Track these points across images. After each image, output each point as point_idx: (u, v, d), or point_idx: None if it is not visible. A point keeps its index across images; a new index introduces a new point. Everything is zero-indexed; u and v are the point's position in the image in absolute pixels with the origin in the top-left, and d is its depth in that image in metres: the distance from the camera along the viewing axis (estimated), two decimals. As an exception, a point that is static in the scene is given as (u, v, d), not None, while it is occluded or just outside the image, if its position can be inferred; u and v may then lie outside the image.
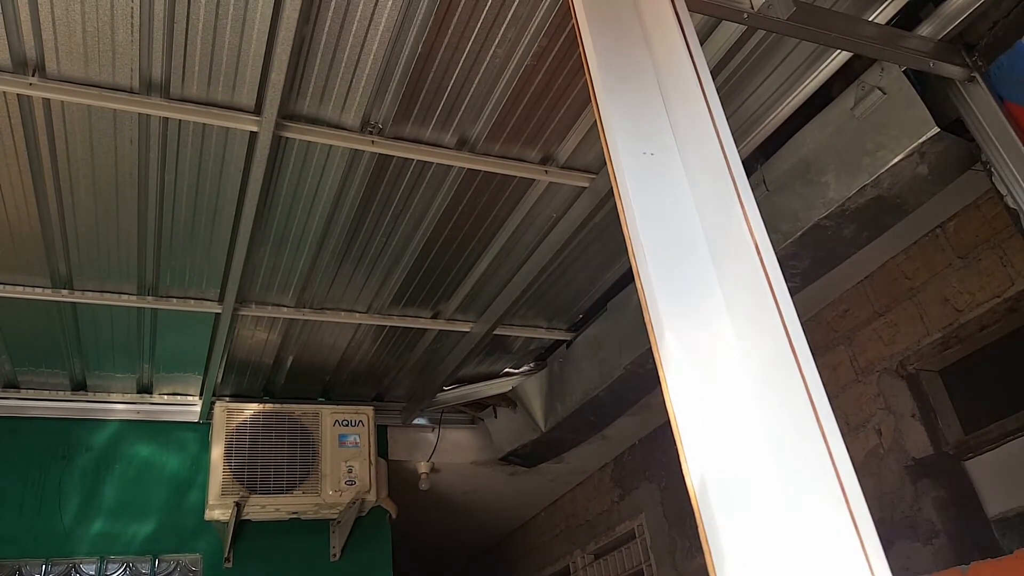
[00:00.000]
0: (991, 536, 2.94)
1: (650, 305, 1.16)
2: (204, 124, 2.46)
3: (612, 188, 1.25)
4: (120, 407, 4.14)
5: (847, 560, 0.97)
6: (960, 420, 3.21)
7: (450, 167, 2.77)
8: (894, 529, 3.10)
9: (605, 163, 2.75)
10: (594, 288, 3.75)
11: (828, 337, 3.58)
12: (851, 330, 3.52)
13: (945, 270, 3.11)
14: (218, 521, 3.81)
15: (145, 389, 4.16)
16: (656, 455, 4.79)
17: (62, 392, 4.03)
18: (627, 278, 3.64)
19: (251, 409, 3.94)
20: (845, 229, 2.70)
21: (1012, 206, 2.15)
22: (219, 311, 3.41)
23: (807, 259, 2.84)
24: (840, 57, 2.38)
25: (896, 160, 2.39)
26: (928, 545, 3.03)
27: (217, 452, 3.77)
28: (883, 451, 3.33)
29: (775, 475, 1.07)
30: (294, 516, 3.96)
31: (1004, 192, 2.18)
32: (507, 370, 4.50)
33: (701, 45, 1.33)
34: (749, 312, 1.12)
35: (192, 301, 3.39)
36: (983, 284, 2.96)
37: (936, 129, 2.27)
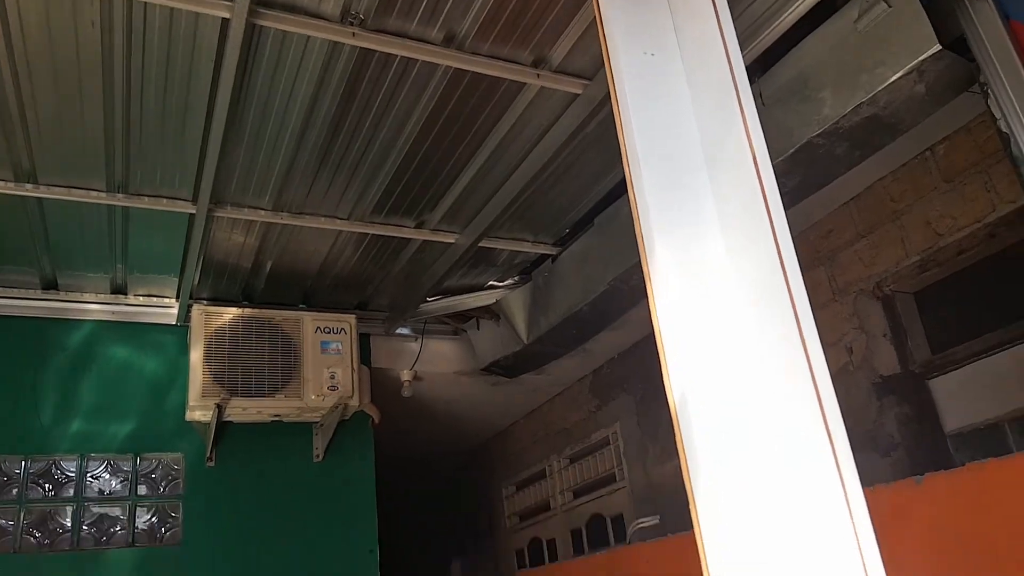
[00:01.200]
0: (946, 450, 3.07)
1: (642, 216, 1.14)
2: (172, 8, 2.32)
3: (607, 95, 1.20)
4: (94, 307, 4.09)
5: (820, 469, 1.00)
6: (929, 341, 3.29)
7: (436, 66, 2.66)
8: (856, 441, 3.19)
9: (600, 68, 2.69)
10: (582, 202, 3.71)
11: (810, 256, 3.60)
12: (833, 250, 3.54)
13: (930, 193, 3.11)
14: (199, 422, 3.85)
15: (119, 290, 4.11)
16: (634, 368, 4.88)
17: (33, 291, 3.96)
18: (615, 193, 3.60)
19: (230, 313, 3.92)
20: (837, 147, 2.66)
21: (1004, 130, 2.12)
22: (193, 211, 3.33)
23: (797, 177, 2.81)
24: (847, -35, 2.29)
25: (894, 78, 2.34)
26: (886, 457, 3.16)
27: (196, 354, 3.77)
28: (852, 368, 3.42)
29: (755, 387, 1.08)
30: (276, 419, 4.01)
31: (998, 115, 2.14)
32: (491, 283, 4.50)
33: (707, -58, 1.26)
34: (742, 226, 1.10)
35: (164, 200, 3.30)
36: (966, 208, 2.97)
37: (938, 47, 2.22)
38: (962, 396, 3.06)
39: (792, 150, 2.66)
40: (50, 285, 3.98)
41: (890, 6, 2.31)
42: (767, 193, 1.08)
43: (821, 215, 3.55)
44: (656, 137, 1.12)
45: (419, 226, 3.75)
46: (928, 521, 2.18)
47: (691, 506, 1.05)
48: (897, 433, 3.18)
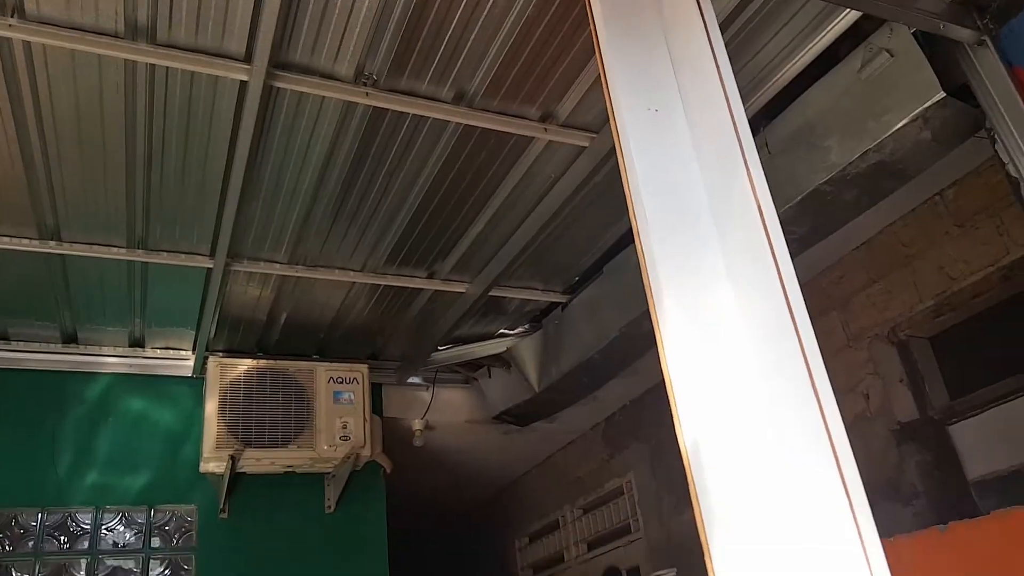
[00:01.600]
0: (970, 498, 3.01)
1: (649, 266, 1.15)
2: (192, 72, 2.40)
3: (613, 146, 1.22)
4: (112, 360, 4.14)
5: (836, 520, 0.98)
6: (947, 386, 3.25)
7: (447, 122, 2.72)
8: (877, 490, 3.15)
9: (606, 122, 2.73)
10: (591, 251, 3.73)
11: (822, 302, 3.59)
12: (845, 296, 3.53)
13: (942, 238, 3.11)
14: (213, 473, 3.84)
15: (137, 343, 4.15)
16: (646, 416, 4.84)
17: (53, 344, 4.01)
18: (624, 241, 3.62)
19: (245, 365, 3.95)
20: (846, 194, 2.68)
21: (1014, 174, 2.13)
22: (211, 266, 3.38)
23: (806, 224, 2.82)
24: (849, 16, 2.34)
25: (900, 125, 2.36)
26: (908, 506, 3.10)
27: (211, 406, 3.78)
28: (870, 415, 3.37)
29: (768, 436, 1.07)
30: (289, 469, 4.00)
31: (1006, 160, 2.16)
32: (502, 331, 4.51)
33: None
34: (749, 275, 1.11)
35: (183, 255, 3.36)
36: (979, 252, 2.96)
37: (942, 94, 2.24)
38: (984, 442, 3.02)
39: (800, 197, 2.68)
40: (70, 339, 4.03)
41: (892, 55, 2.34)
42: (773, 241, 1.09)
43: (832, 261, 3.55)
44: (661, 189, 1.14)
45: (430, 276, 3.78)
46: (953, 571, 2.13)
47: (706, 559, 1.04)
48: (919, 481, 3.12)
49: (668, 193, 1.14)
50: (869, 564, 0.93)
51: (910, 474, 3.15)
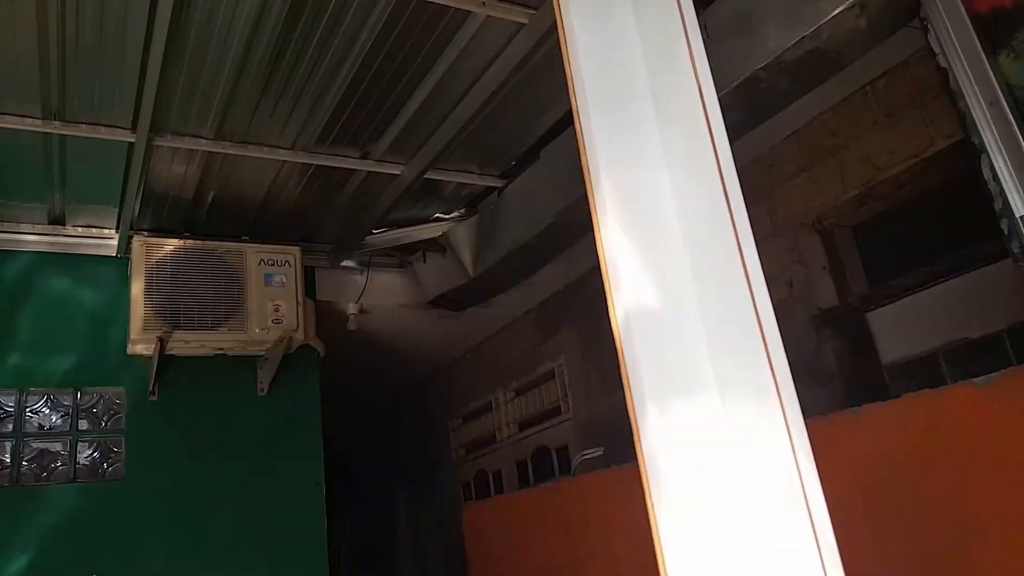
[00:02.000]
0: (883, 382, 3.20)
1: (588, 147, 1.15)
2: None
3: (554, 24, 1.19)
4: (31, 238, 3.95)
5: (761, 399, 1.03)
6: (867, 274, 3.40)
7: (381, -9, 2.58)
8: (796, 374, 3.33)
9: (547, -2, 2.64)
10: (528, 134, 3.69)
11: (751, 191, 3.62)
12: (773, 185, 3.60)
13: (870, 128, 3.17)
14: (141, 355, 3.79)
15: (57, 220, 3.97)
16: (579, 302, 4.95)
17: (-35, 222, 3.81)
18: (561, 125, 3.58)
19: (172, 245, 3.83)
20: (780, 82, 2.69)
21: (943, 64, 2.17)
22: (132, 140, 3.21)
23: (740, 112, 2.84)
24: None
25: (837, 11, 2.36)
26: (825, 388, 3.29)
27: (137, 287, 3.68)
28: (792, 301, 3.52)
29: (698, 320, 1.10)
30: (220, 352, 3.97)
31: (937, 50, 2.19)
32: (437, 215, 4.47)
33: None
34: (687, 160, 1.12)
35: (103, 128, 3.17)
36: (904, 143, 3.04)
37: (880, -20, 2.24)
38: (899, 328, 3.18)
39: (735, 84, 2.68)
40: (-16, 215, 3.82)
41: (835, -61, 2.31)
42: (712, 126, 1.10)
43: (763, 150, 3.60)
44: (603, 68, 1.12)
45: (364, 157, 3.69)
46: (866, 452, 2.27)
47: (635, 436, 1.07)
48: (835, 365, 3.29)
49: (609, 73, 1.12)
50: (792, 442, 0.98)
51: (827, 359, 3.33)
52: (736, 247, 1.14)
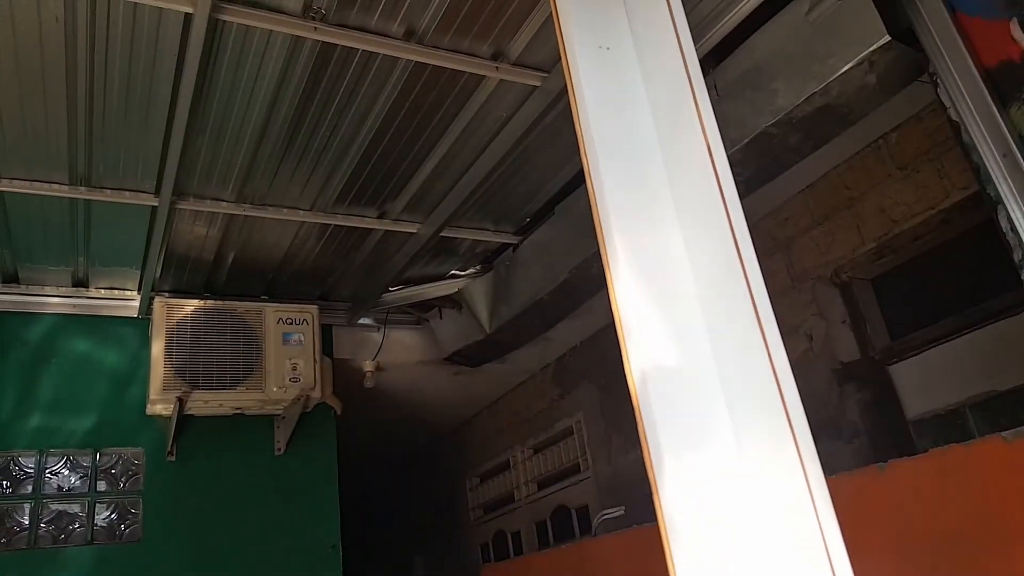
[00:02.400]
0: (908, 437, 3.13)
1: (600, 206, 1.16)
2: (135, 3, 2.29)
3: (565, 86, 1.21)
4: (55, 300, 4.03)
5: (781, 456, 1.01)
6: (888, 327, 3.36)
7: (397, 59, 2.66)
8: (818, 429, 3.24)
9: (558, 61, 2.69)
10: (542, 191, 3.73)
11: (767, 244, 3.66)
12: (789, 238, 3.60)
13: (884, 181, 3.18)
14: (160, 416, 3.80)
15: (81, 283, 4.04)
16: (596, 357, 4.92)
17: (-8, 284, 3.89)
18: (575, 182, 3.62)
19: (192, 305, 3.88)
20: (791, 137, 2.71)
21: (955, 118, 2.18)
22: (156, 204, 3.29)
23: (752, 166, 2.86)
24: (799, -41, 2.34)
25: (846, 68, 2.39)
26: (849, 444, 3.22)
27: (157, 347, 3.72)
28: (813, 355, 3.48)
29: (714, 376, 1.10)
30: (238, 412, 3.98)
31: (948, 104, 2.20)
32: (453, 272, 4.50)
33: (662, -64, 1.28)
34: (698, 215, 1.13)
35: (127, 193, 3.26)
36: (920, 195, 3.04)
37: (887, 37, 2.27)
38: (922, 382, 3.12)
39: (747, 140, 2.71)
40: (11, 279, 3.92)
41: (840, -1, 2.36)
42: (722, 182, 1.11)
43: (777, 203, 3.62)
44: (612, 129, 1.14)
45: (381, 216, 3.74)
46: (892, 508, 2.21)
47: (654, 496, 1.05)
48: (859, 420, 3.22)
49: (619, 133, 1.14)
50: (814, 501, 0.96)
51: (851, 413, 3.26)
52: (750, 301, 1.13)
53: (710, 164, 1.08)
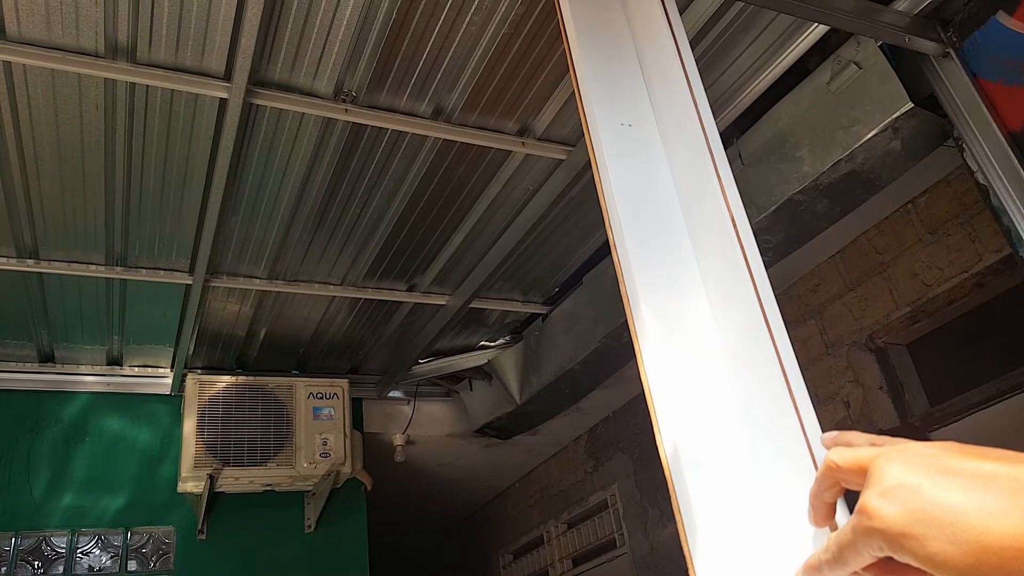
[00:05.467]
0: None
1: (626, 278, 1.16)
2: (172, 90, 2.40)
3: (589, 160, 1.24)
4: (89, 379, 4.08)
5: (819, 533, 0.98)
6: (926, 393, 3.28)
7: (425, 137, 2.73)
8: (856, 499, 3.17)
9: (581, 135, 2.76)
10: (570, 262, 3.75)
11: (799, 311, 3.62)
12: (822, 304, 3.57)
13: (915, 245, 3.16)
14: (191, 494, 3.80)
15: (115, 361, 4.10)
16: (629, 427, 4.85)
17: (30, 364, 3.96)
18: (603, 251, 3.65)
19: (223, 382, 3.91)
20: (818, 204, 2.72)
21: (982, 182, 2.17)
22: (190, 282, 3.36)
23: (780, 233, 2.86)
24: (817, 31, 2.38)
25: (870, 135, 2.41)
26: (892, 515, 3.10)
27: (189, 425, 3.74)
28: (851, 422, 3.40)
29: (747, 447, 1.08)
30: (268, 488, 3.96)
31: (975, 168, 2.20)
32: (483, 343, 4.51)
33: (680, 16, 1.32)
34: (724, 286, 1.12)
35: (162, 272, 3.34)
36: (952, 259, 3.01)
37: (910, 104, 2.29)
38: (964, 449, 3.03)
39: (773, 207, 2.72)
40: (47, 358, 3.98)
41: (860, 67, 2.39)
42: (746, 251, 1.10)
43: (808, 269, 3.60)
44: (636, 201, 1.15)
45: (410, 289, 3.78)
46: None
47: (689, 569, 1.03)
48: (899, 488, 3.13)
49: (643, 205, 1.15)
50: None
51: (890, 481, 3.16)
52: (779, 367, 1.12)
53: (734, 233, 1.08)
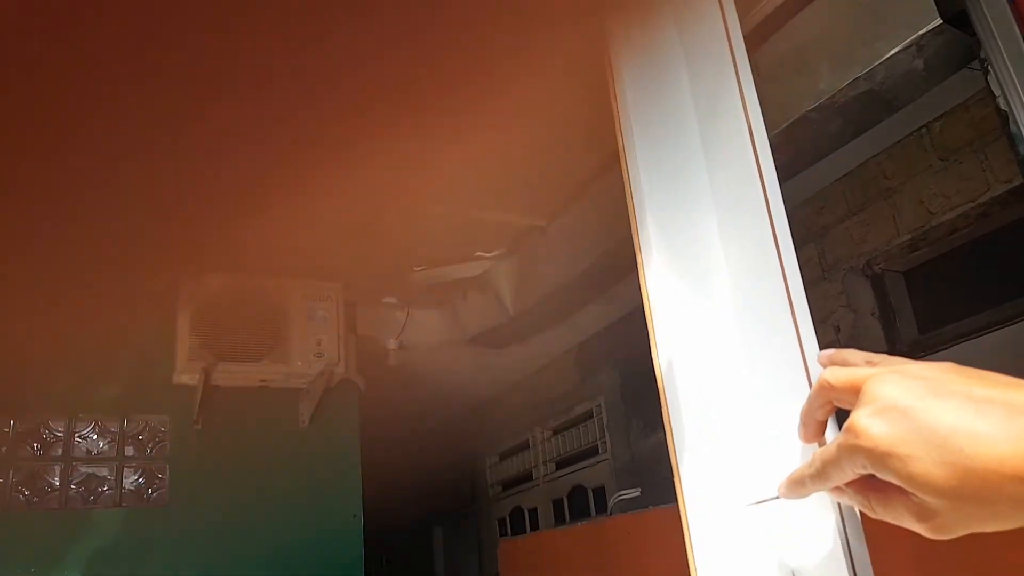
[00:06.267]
0: (934, 431, 3.07)
1: (633, 188, 1.13)
2: None
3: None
4: (84, 269, 4.08)
5: (808, 449, 1.00)
6: (917, 321, 3.30)
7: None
8: (842, 422, 3.24)
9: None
10: (571, 173, 3.69)
11: (800, 234, 3.60)
12: (824, 227, 3.54)
13: (925, 171, 3.11)
14: (186, 385, 3.85)
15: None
16: (619, 343, 4.91)
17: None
18: (606, 165, 3.58)
19: (219, 279, 3.91)
20: (832, 123, 2.65)
21: (1003, 107, 2.10)
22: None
23: (790, 152, 2.80)
24: (846, -62, 2.26)
25: (893, 52, 2.32)
26: (874, 438, 3.17)
27: (183, 319, 3.76)
28: (839, 347, 3.41)
29: (743, 364, 1.08)
30: (263, 383, 4.02)
31: (997, 92, 2.13)
32: (479, 254, 4.49)
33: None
34: (735, 201, 1.09)
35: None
36: (960, 188, 2.96)
37: (938, 20, 2.19)
38: (949, 376, 3.07)
39: (786, 124, 2.65)
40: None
41: (889, -20, 2.28)
42: (762, 166, 1.07)
43: (813, 192, 3.55)
44: (649, 105, 1.11)
45: (409, 194, 3.73)
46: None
47: (675, 479, 1.05)
48: (882, 413, 3.19)
49: (655, 110, 1.11)
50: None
51: (875, 406, 3.21)
52: (784, 290, 1.11)
53: (751, 147, 1.05)
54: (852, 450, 0.58)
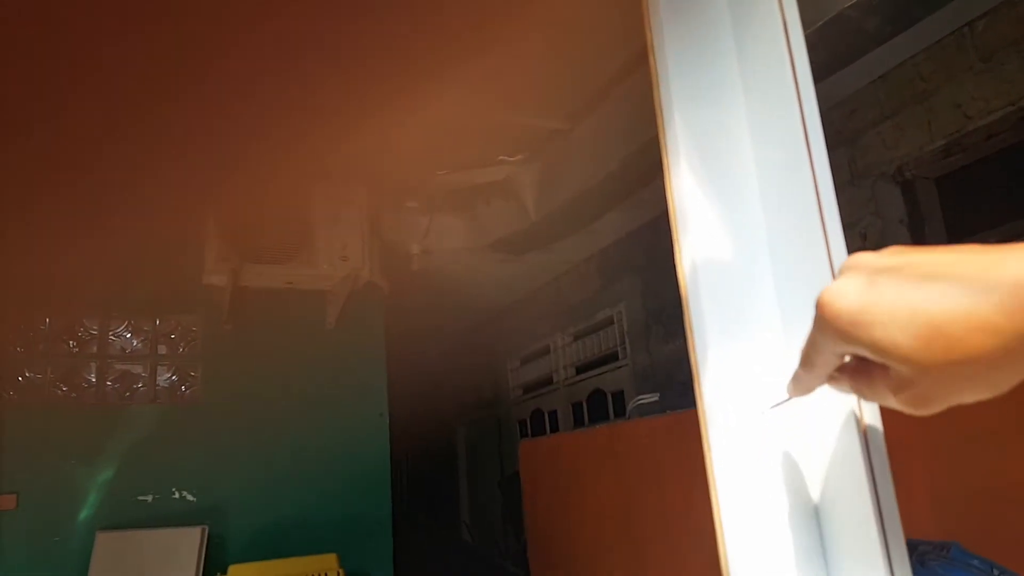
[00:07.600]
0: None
1: (662, 84, 1.10)
2: None
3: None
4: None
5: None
6: (947, 229, 3.25)
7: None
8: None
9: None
10: (595, 74, 3.60)
11: (831, 138, 3.51)
12: (855, 132, 3.45)
13: (964, 73, 2.99)
14: (215, 286, 3.93)
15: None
16: (641, 249, 4.89)
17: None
18: (631, 67, 3.48)
19: (245, 183, 3.91)
20: (869, 21, 2.54)
21: (1052, 5, 2.01)
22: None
23: (825, 52, 2.70)
24: None
25: (938, -55, 2.20)
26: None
27: (211, 221, 3.80)
28: (866, 255, 3.39)
29: (767, 271, 1.07)
30: (289, 285, 4.09)
31: (1047, -12, 2.02)
32: (502, 158, 4.44)
33: None
34: (767, 99, 1.07)
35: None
36: (1000, 90, 2.86)
37: (989, -91, 2.07)
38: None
39: (821, 23, 2.55)
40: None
41: None
42: (796, 65, 1.04)
43: (845, 94, 3.44)
44: (681, 3, 1.07)
45: (432, 96, 3.66)
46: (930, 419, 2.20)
47: (695, 384, 1.06)
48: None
49: (687, 4, 1.07)
50: (860, 408, 0.95)
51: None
52: (814, 194, 1.09)
53: (785, 42, 1.01)
54: (820, 325, 0.58)
